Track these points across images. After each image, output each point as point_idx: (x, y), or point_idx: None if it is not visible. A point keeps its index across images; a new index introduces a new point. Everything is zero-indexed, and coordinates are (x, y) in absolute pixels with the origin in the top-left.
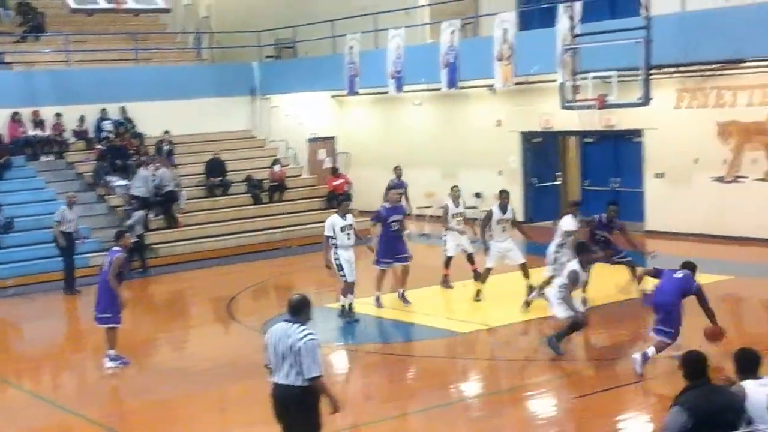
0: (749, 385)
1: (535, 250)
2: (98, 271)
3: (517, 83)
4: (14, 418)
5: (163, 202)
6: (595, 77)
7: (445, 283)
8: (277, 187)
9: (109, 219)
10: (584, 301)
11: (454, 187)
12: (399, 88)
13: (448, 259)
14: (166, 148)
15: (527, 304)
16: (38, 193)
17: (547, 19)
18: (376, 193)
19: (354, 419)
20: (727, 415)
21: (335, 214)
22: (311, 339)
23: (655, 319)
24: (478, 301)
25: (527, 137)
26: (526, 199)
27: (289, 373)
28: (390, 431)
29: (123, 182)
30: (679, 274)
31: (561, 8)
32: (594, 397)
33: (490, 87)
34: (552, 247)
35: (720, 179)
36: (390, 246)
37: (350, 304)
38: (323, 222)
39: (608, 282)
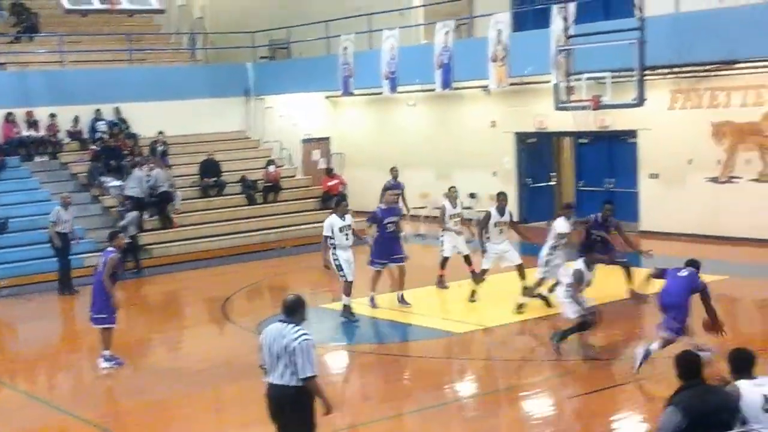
0: (744, 385)
1: (532, 251)
2: (93, 271)
3: (511, 84)
4: (9, 418)
5: (158, 202)
6: (589, 78)
7: (441, 283)
8: (272, 188)
9: (104, 220)
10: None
11: (452, 188)
12: (393, 88)
13: (445, 260)
14: (160, 148)
15: (519, 306)
16: (32, 193)
17: (542, 20)
18: (370, 194)
19: (349, 419)
20: (722, 415)
21: (334, 215)
22: (306, 339)
23: (664, 318)
24: (473, 301)
25: (522, 138)
26: (521, 200)
27: (283, 374)
28: None
29: (117, 183)
30: (684, 273)
31: (555, 9)
32: (589, 397)
33: (485, 88)
34: (544, 250)
35: (714, 180)
36: (385, 247)
37: (345, 305)
38: (318, 223)
39: (603, 283)
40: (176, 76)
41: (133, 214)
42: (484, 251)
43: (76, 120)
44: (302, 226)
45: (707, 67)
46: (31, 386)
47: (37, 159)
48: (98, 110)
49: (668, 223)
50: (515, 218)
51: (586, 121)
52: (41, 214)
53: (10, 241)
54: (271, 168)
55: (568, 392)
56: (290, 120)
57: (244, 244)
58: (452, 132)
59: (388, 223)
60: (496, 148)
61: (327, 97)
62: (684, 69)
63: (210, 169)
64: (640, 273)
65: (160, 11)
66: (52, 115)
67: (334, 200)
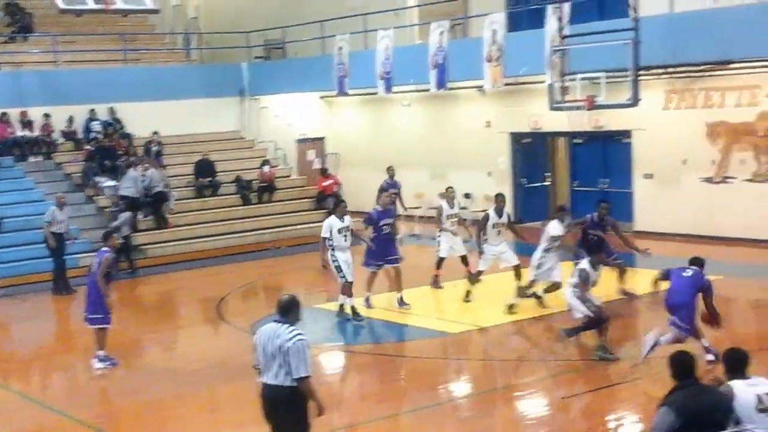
0: (737, 385)
1: (528, 252)
2: (87, 272)
3: (506, 84)
4: (2, 419)
5: (153, 202)
6: (583, 78)
7: (436, 283)
8: (267, 188)
9: (98, 220)
10: None
11: (449, 188)
12: (388, 88)
13: (440, 260)
14: (155, 148)
15: (510, 307)
16: (27, 193)
17: (536, 20)
18: (365, 194)
19: (345, 420)
20: (716, 415)
21: (333, 216)
22: (300, 339)
23: (670, 319)
24: (468, 301)
25: (516, 138)
26: (516, 200)
27: (278, 374)
28: None
29: (112, 183)
30: (689, 272)
31: (550, 9)
32: (583, 396)
33: (479, 88)
34: (538, 252)
35: (708, 180)
36: (380, 248)
37: (342, 305)
38: (312, 223)
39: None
40: (171, 76)
41: (125, 215)
42: (481, 252)
43: (70, 120)
44: (297, 227)
45: (702, 68)
46: (25, 386)
47: (32, 159)
48: (93, 110)
49: (663, 223)
50: (512, 219)
51: (581, 122)
52: (36, 214)
53: (5, 242)
54: (266, 168)
55: (562, 392)
56: (285, 120)
57: (239, 245)
58: (447, 132)
59: (384, 224)
60: (491, 148)
61: (322, 97)
62: (678, 69)
63: (205, 169)
64: (641, 274)
65: (155, 11)
66: (47, 115)
67: (329, 200)
